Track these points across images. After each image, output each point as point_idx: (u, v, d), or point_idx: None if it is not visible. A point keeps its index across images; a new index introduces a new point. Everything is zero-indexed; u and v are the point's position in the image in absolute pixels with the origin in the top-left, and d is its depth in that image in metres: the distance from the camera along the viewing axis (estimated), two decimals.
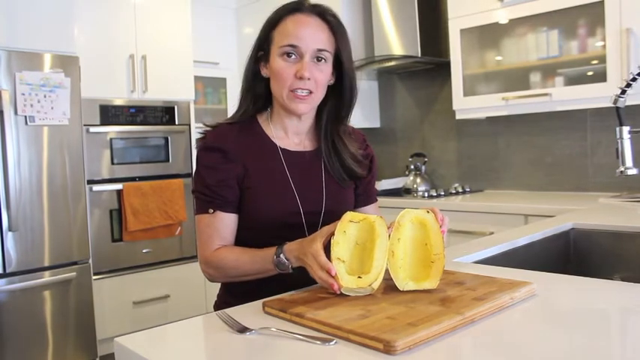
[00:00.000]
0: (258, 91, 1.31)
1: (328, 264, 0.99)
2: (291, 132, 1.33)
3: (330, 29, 1.25)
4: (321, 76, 1.24)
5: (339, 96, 1.32)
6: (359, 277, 1.00)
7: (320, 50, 1.22)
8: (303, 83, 1.21)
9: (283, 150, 1.31)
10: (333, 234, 1.04)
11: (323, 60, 1.24)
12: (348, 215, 1.07)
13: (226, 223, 1.26)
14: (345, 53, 1.28)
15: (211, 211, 1.25)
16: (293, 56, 1.22)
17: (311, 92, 1.24)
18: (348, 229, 1.05)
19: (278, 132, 1.32)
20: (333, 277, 0.99)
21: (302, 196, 1.28)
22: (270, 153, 1.29)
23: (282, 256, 1.12)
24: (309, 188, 1.30)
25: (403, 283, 1.02)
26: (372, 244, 1.04)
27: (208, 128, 1.31)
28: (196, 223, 1.29)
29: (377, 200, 1.48)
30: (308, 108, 1.27)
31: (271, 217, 1.25)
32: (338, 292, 1.00)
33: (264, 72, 1.28)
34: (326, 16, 1.25)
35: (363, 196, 1.42)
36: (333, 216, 1.27)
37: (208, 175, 1.25)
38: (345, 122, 1.36)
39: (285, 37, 1.21)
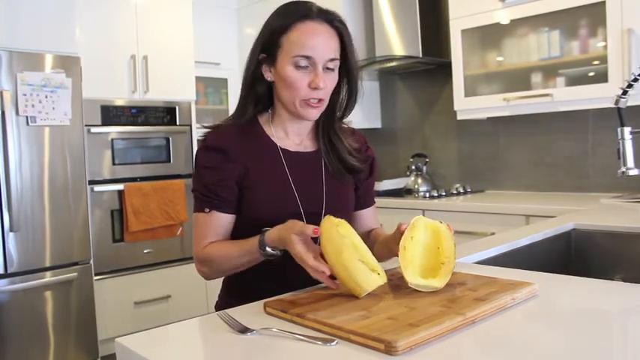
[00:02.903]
0: (260, 93, 1.31)
1: (320, 267, 1.02)
2: (292, 133, 1.33)
3: (338, 36, 1.26)
4: (331, 83, 1.26)
5: (338, 95, 1.33)
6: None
7: (332, 60, 1.23)
8: (317, 93, 1.23)
9: (284, 150, 1.31)
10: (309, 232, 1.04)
11: (333, 68, 1.25)
12: (328, 220, 1.05)
13: (221, 222, 1.26)
14: (352, 58, 1.29)
15: (207, 210, 1.25)
16: (305, 66, 1.22)
17: (321, 99, 1.25)
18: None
19: (279, 132, 1.33)
20: (327, 275, 1.02)
21: (302, 196, 1.28)
22: (271, 153, 1.30)
23: (267, 249, 1.13)
24: (309, 188, 1.30)
25: (412, 276, 1.02)
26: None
27: (208, 129, 1.31)
28: (193, 221, 1.30)
29: (375, 202, 1.49)
30: (319, 114, 1.29)
31: (271, 218, 1.25)
32: (334, 287, 1.02)
33: (268, 75, 1.28)
34: (335, 22, 1.25)
35: (363, 197, 1.43)
36: (334, 216, 1.27)
37: (207, 174, 1.25)
38: (341, 120, 1.38)
39: (297, 47, 1.21)
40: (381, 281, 0.99)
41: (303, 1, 1.27)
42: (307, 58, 1.21)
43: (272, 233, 1.12)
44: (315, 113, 1.26)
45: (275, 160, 1.29)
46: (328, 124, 1.35)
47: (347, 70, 1.30)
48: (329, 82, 1.24)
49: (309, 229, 1.04)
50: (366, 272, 0.98)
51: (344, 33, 1.26)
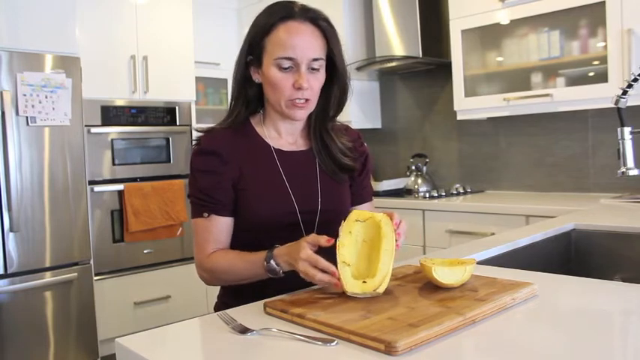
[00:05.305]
0: (250, 95, 1.31)
1: (330, 267, 1.00)
2: (284, 132, 1.33)
3: (322, 34, 1.24)
4: (317, 83, 1.25)
5: (328, 95, 1.32)
6: (364, 281, 1.00)
7: (315, 59, 1.22)
8: (301, 93, 1.22)
9: (277, 150, 1.31)
10: (322, 240, 1.04)
11: (318, 68, 1.24)
12: (354, 214, 1.07)
13: (221, 226, 1.26)
14: (338, 56, 1.28)
15: (206, 215, 1.25)
16: (289, 67, 1.21)
17: (308, 99, 1.24)
18: (353, 228, 1.06)
19: (271, 133, 1.33)
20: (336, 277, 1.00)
21: (297, 195, 1.28)
22: (265, 154, 1.30)
23: (272, 262, 1.12)
24: (304, 187, 1.30)
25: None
26: (379, 245, 1.04)
27: (201, 133, 1.31)
28: (192, 227, 1.29)
29: (372, 199, 1.48)
30: (306, 114, 1.28)
31: (268, 218, 1.25)
32: (341, 290, 1.00)
33: (256, 77, 1.28)
34: (318, 21, 1.24)
35: (357, 194, 1.42)
36: (329, 214, 1.28)
37: (203, 179, 1.25)
38: (333, 119, 1.37)
39: (280, 48, 1.20)
40: (359, 289, 0.98)
41: (286, 1, 1.26)
42: (290, 59, 1.20)
43: (282, 248, 1.12)
44: (301, 113, 1.26)
45: (269, 160, 1.29)
46: (320, 124, 1.35)
47: (334, 68, 1.29)
48: (314, 82, 1.23)
49: (323, 238, 1.04)
50: (347, 277, 0.99)
51: (328, 31, 1.25)
